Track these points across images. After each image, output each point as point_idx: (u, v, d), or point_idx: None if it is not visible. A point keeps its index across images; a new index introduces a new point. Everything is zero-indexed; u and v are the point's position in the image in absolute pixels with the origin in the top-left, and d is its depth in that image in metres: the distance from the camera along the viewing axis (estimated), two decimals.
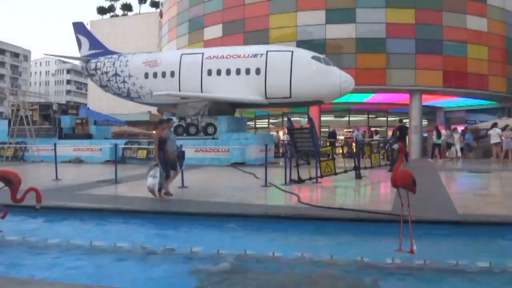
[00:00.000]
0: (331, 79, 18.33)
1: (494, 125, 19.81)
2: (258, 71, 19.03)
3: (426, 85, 27.69)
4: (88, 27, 70.25)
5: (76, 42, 23.89)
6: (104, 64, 22.26)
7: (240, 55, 19.73)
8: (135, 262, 5.24)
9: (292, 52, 19.24)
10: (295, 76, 18.41)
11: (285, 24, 29.26)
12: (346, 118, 34.79)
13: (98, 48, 23.47)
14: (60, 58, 39.29)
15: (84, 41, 23.54)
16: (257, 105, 21.31)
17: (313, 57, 18.89)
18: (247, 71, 19.23)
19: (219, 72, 19.72)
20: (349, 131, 32.31)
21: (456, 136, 21.70)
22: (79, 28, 23.95)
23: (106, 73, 22.17)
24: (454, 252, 5.29)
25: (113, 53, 23.09)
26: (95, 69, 22.61)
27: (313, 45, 24.88)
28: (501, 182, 12.69)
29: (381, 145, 19.54)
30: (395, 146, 6.56)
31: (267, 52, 19.33)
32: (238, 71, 19.40)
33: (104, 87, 22.89)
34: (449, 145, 21.86)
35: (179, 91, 20.14)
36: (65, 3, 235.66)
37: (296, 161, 12.22)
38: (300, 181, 11.65)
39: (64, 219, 7.52)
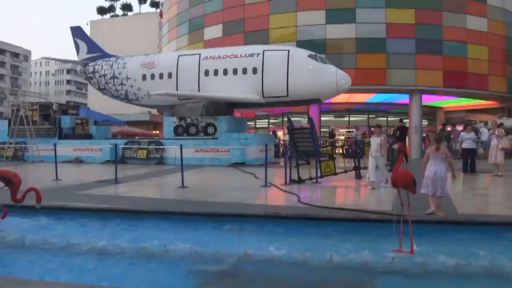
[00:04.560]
0: (328, 77, 18.37)
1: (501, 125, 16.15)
2: (255, 71, 19.09)
3: (426, 85, 27.66)
4: (88, 27, 69.68)
5: (74, 46, 23.94)
6: (102, 67, 22.32)
7: (237, 55, 19.79)
8: (135, 262, 5.24)
9: (289, 51, 19.29)
10: (292, 75, 18.47)
11: (285, 24, 29.24)
12: (346, 118, 34.79)
13: (96, 51, 23.52)
14: (60, 61, 39.25)
15: (82, 45, 23.60)
16: (255, 105, 21.34)
17: (309, 56, 18.94)
18: (244, 71, 19.29)
19: (216, 72, 19.77)
20: (349, 131, 32.32)
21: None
22: (77, 32, 24.00)
23: (104, 75, 22.24)
24: (454, 252, 5.29)
25: (111, 56, 23.14)
26: (93, 72, 22.66)
27: (313, 45, 24.86)
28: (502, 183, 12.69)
29: None
30: (395, 146, 6.57)
31: (263, 51, 19.38)
32: (235, 71, 19.46)
33: (102, 89, 22.92)
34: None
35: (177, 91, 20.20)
36: (65, 3, 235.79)
37: (296, 161, 12.22)
38: (300, 181, 11.65)
39: (64, 219, 7.51)
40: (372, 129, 14.16)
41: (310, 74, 18.45)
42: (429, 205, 7.41)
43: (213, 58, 20.06)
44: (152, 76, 20.96)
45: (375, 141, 10.53)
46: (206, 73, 19.93)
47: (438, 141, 7.40)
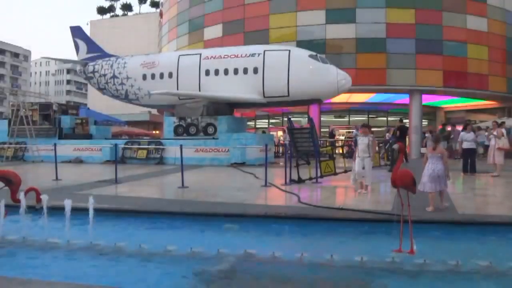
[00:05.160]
0: (329, 77, 18.41)
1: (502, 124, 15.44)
2: (255, 70, 19.11)
3: (426, 85, 27.68)
4: (88, 27, 69.59)
5: (74, 46, 23.94)
6: (102, 67, 22.33)
7: (237, 55, 19.80)
8: (135, 262, 5.23)
9: (289, 51, 19.32)
10: (292, 75, 18.49)
11: (285, 24, 29.26)
12: (346, 118, 34.81)
13: (95, 51, 23.53)
14: (60, 61, 39.30)
15: (82, 45, 23.61)
16: (256, 105, 21.35)
17: (310, 56, 18.98)
18: (245, 71, 19.30)
19: (217, 72, 19.78)
20: (349, 131, 32.31)
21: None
22: (76, 32, 24.00)
23: (104, 75, 22.24)
24: (454, 252, 5.29)
25: (110, 56, 23.14)
26: (93, 71, 22.65)
27: (313, 45, 24.88)
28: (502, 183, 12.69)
29: (381, 145, 19.58)
30: (395, 146, 6.59)
31: (264, 51, 19.40)
32: (236, 71, 19.47)
33: (102, 89, 22.91)
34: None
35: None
36: (65, 3, 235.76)
37: (296, 161, 12.22)
38: (300, 181, 11.65)
39: (64, 219, 7.50)
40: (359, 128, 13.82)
41: (311, 74, 18.48)
42: (429, 203, 7.56)
43: (214, 58, 20.07)
44: (153, 76, 20.98)
45: (362, 141, 9.98)
46: (207, 72, 19.94)
47: (435, 141, 7.86)
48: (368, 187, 9.88)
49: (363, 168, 9.91)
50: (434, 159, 7.68)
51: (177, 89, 20.33)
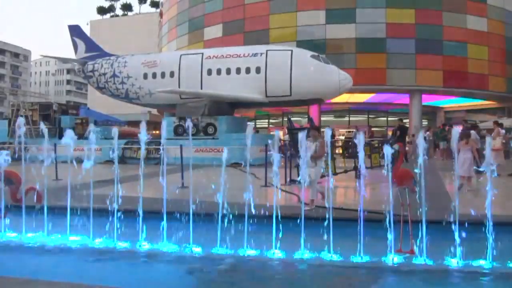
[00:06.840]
0: (330, 77, 18.48)
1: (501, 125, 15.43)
2: (258, 70, 19.12)
3: (426, 85, 27.70)
4: (88, 27, 69.46)
5: (72, 45, 23.90)
6: (102, 66, 22.28)
7: (240, 54, 19.82)
8: (134, 262, 5.24)
9: (292, 51, 19.38)
10: (295, 75, 18.54)
11: (285, 24, 29.28)
12: (346, 118, 34.81)
13: (94, 50, 23.48)
14: (58, 59, 39.26)
15: (80, 44, 23.57)
16: (258, 104, 21.36)
17: (312, 56, 19.03)
18: (247, 70, 19.32)
19: (219, 72, 19.78)
20: (349, 131, 32.31)
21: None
22: (75, 30, 23.95)
23: (104, 74, 22.17)
24: (453, 252, 5.29)
25: (109, 55, 23.10)
26: (92, 70, 22.60)
27: (313, 45, 24.89)
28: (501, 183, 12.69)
29: (381, 145, 19.56)
30: (396, 146, 6.58)
31: (266, 51, 19.44)
32: (238, 70, 19.47)
33: (101, 88, 22.84)
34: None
35: None
36: (65, 3, 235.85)
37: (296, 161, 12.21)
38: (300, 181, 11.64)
39: (64, 219, 7.50)
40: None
41: (313, 74, 18.55)
42: (460, 183, 9.72)
43: (216, 58, 20.07)
44: (154, 75, 20.95)
45: (310, 148, 8.10)
46: (209, 72, 19.93)
47: (467, 136, 9.97)
48: (314, 201, 8.31)
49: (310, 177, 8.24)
50: (465, 150, 9.72)
51: (179, 88, 20.29)
